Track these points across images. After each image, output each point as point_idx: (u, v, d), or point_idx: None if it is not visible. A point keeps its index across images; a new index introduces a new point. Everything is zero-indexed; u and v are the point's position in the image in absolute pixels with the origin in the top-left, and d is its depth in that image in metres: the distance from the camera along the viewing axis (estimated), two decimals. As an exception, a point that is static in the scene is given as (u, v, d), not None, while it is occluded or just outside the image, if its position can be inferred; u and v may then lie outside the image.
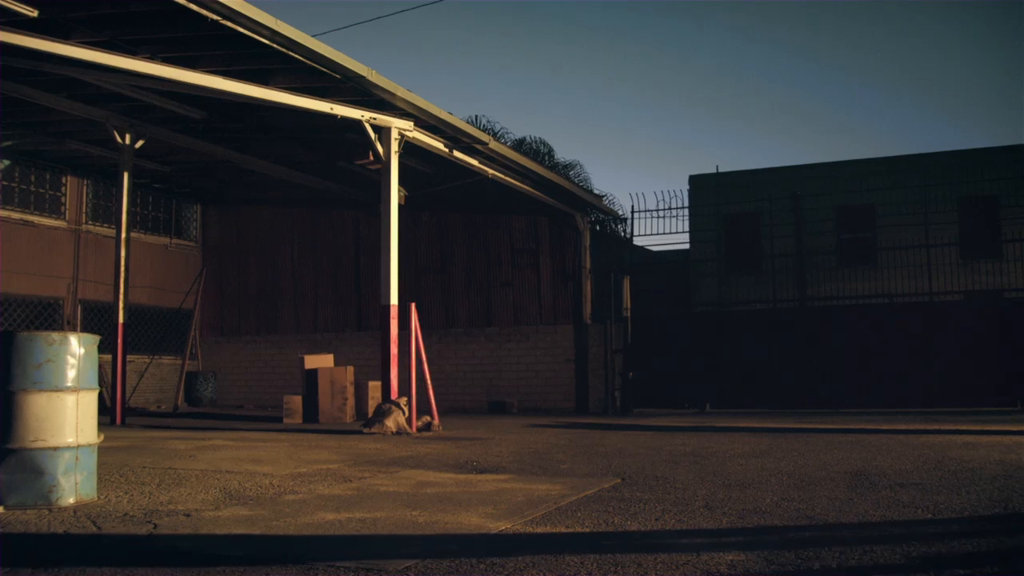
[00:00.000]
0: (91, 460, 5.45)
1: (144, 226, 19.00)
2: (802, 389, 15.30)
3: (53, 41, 9.33)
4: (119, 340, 13.22)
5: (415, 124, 12.22)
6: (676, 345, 16.31)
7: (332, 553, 4.01)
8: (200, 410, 17.33)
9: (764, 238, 19.70)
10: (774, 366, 15.56)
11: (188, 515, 4.94)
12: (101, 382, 15.36)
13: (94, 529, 4.56)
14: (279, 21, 9.18)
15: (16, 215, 16.29)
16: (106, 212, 17.74)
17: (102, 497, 5.49)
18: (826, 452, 8.47)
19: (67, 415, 5.30)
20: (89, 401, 5.47)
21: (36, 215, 16.64)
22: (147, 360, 18.34)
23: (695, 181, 20.96)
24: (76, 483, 5.31)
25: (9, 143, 15.79)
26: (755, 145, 74.88)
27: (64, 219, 17.18)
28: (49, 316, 16.78)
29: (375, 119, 11.70)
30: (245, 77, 10.59)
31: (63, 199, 17.23)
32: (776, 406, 15.31)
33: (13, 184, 16.43)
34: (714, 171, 20.87)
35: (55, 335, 5.34)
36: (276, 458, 8.12)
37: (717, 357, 15.86)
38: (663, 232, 17.13)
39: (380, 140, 11.87)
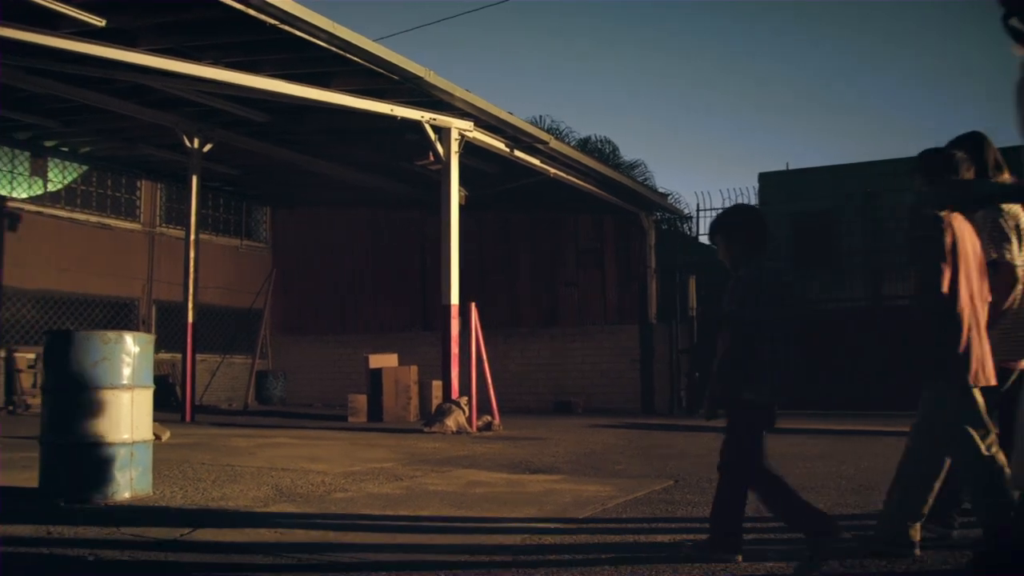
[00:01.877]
0: (146, 456, 5.56)
1: (216, 228, 19.46)
2: (871, 390, 14.89)
3: (122, 49, 9.61)
4: (188, 339, 13.52)
5: (475, 124, 12.25)
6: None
7: (368, 552, 4.03)
8: (269, 408, 17.65)
9: (835, 236, 19.23)
10: (844, 366, 15.17)
11: (236, 510, 5.02)
12: (171, 380, 15.83)
13: (143, 520, 4.67)
14: (335, 24, 9.30)
15: (94, 218, 16.82)
16: (179, 214, 18.19)
17: (157, 492, 5.61)
18: (894, 456, 8.22)
19: (122, 412, 5.42)
20: (144, 398, 5.58)
21: (113, 218, 17.15)
22: (219, 359, 18.76)
23: (765, 179, 20.57)
24: (131, 478, 5.43)
25: (87, 149, 16.33)
26: (825, 143, 73.30)
27: (139, 222, 17.69)
28: (125, 316, 17.29)
29: (435, 120, 11.76)
30: (305, 80, 10.74)
31: (138, 202, 17.75)
32: (845, 407, 14.92)
33: (91, 188, 16.97)
34: (784, 168, 20.47)
35: (110, 334, 5.48)
36: (333, 456, 8.21)
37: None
38: (729, 230, 16.84)
39: (440, 140, 11.93)
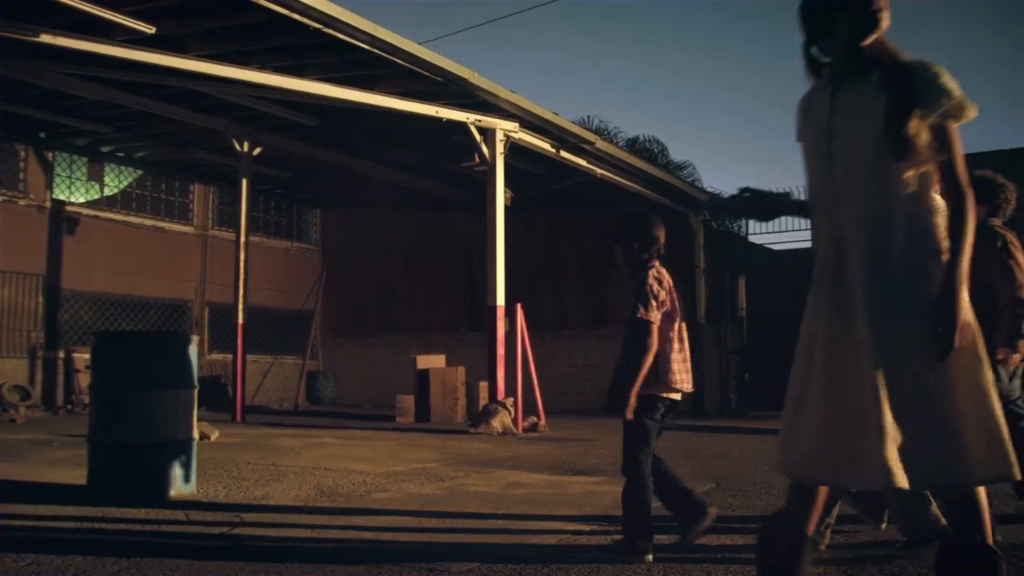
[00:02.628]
0: (190, 455, 5.65)
1: (267, 230, 19.72)
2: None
3: (171, 55, 9.78)
4: (239, 340, 13.71)
5: (520, 125, 12.23)
6: (795, 346, 15.76)
7: (402, 552, 4.04)
8: (319, 408, 17.83)
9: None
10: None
11: (275, 510, 5.07)
12: (223, 381, 16.07)
13: (183, 518, 4.74)
14: (377, 26, 9.36)
15: (149, 222, 17.16)
16: (231, 217, 18.47)
17: (200, 490, 5.69)
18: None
19: (167, 411, 5.52)
20: (188, 398, 5.67)
21: (167, 221, 17.47)
22: (270, 360, 19.01)
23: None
24: (176, 476, 5.52)
25: (141, 154, 16.67)
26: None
27: (192, 225, 18.01)
28: (179, 317, 17.60)
29: (479, 121, 11.77)
30: (350, 83, 10.83)
31: (191, 205, 18.07)
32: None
33: (146, 192, 17.32)
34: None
35: (155, 335, 5.58)
36: (377, 456, 8.26)
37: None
38: (781, 230, 16.63)
39: (485, 142, 11.94)
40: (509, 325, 11.96)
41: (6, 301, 14.76)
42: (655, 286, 3.93)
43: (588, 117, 24.44)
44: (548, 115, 12.16)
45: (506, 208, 12.15)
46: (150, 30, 9.22)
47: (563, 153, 13.46)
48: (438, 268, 19.60)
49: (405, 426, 13.22)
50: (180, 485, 5.53)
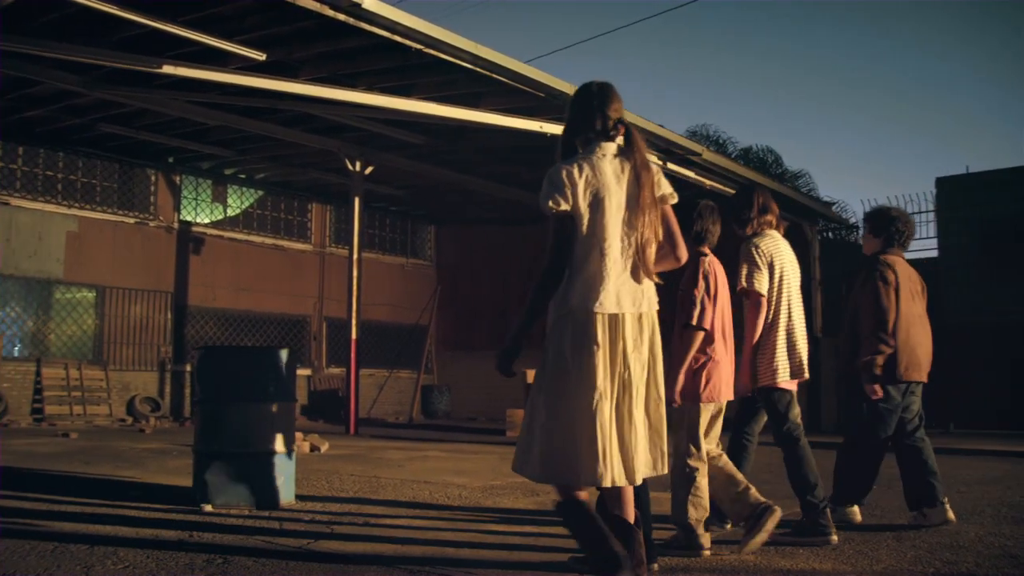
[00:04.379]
0: (289, 466, 5.83)
1: (382, 247, 20.20)
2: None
3: (282, 80, 10.19)
4: (352, 355, 14.06)
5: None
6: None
7: (478, 568, 4.06)
8: (433, 422, 18.10)
9: (1027, 241, 17.79)
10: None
11: (366, 522, 5.17)
12: (341, 394, 16.50)
13: (277, 527, 4.89)
14: (479, 45, 9.50)
15: (269, 240, 17.84)
16: (347, 235, 18.96)
17: (299, 501, 5.86)
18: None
19: (267, 423, 5.71)
20: (287, 411, 5.86)
21: (286, 240, 18.13)
22: (386, 373, 19.42)
23: (944, 183, 19.29)
24: (274, 486, 5.70)
25: (262, 175, 17.37)
26: (1006, 144, 68.01)
27: (310, 243, 18.62)
28: (298, 332, 18.20)
29: (584, 135, 11.76)
30: (455, 101, 11.01)
31: (309, 224, 18.70)
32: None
33: (266, 212, 18.02)
34: (964, 172, 19.17)
35: (255, 350, 5.79)
36: (478, 470, 8.32)
37: (966, 372, 14.52)
38: (902, 238, 15.96)
39: (590, 156, 11.92)
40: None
41: (139, 318, 15.59)
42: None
43: (702, 126, 24.17)
44: (652, 127, 12.06)
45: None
46: (261, 57, 9.62)
47: (670, 165, 13.30)
48: (548, 282, 19.60)
49: (514, 440, 13.25)
50: (278, 494, 5.70)
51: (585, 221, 3.20)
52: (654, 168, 3.37)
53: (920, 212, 16.08)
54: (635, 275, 3.26)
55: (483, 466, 8.75)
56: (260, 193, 17.96)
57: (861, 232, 16.71)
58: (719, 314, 4.46)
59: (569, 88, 10.63)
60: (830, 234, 17.20)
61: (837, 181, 73.15)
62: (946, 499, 5.08)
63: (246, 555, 4.16)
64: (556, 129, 11.54)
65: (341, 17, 8.50)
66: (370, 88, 10.75)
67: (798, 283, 4.90)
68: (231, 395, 5.64)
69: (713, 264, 4.56)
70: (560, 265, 3.21)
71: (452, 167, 15.41)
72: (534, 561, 4.21)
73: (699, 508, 4.33)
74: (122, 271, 15.40)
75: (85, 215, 15.06)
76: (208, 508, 5.47)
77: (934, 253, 17.80)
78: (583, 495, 3.21)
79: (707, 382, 4.40)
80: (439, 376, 20.90)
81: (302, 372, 17.13)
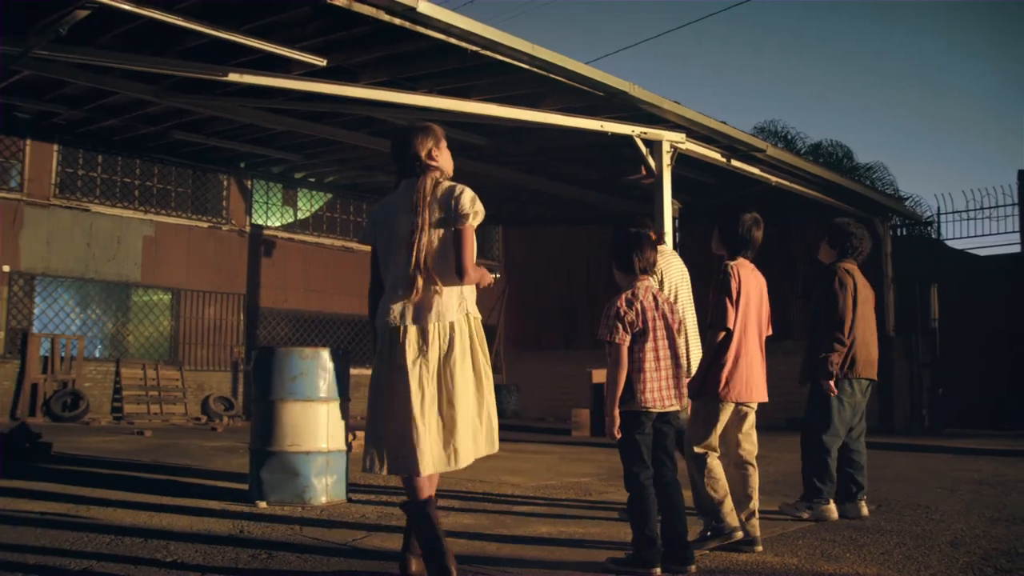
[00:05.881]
0: (341, 464, 5.94)
1: (450, 248, 20.33)
2: None
3: (344, 85, 10.34)
4: (417, 355, 14.18)
5: (687, 136, 12.04)
6: (1000, 359, 14.61)
7: (515, 566, 4.09)
8: (501, 422, 18.02)
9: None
10: None
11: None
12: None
13: (327, 524, 4.99)
14: (535, 46, 9.49)
15: (339, 242, 18.15)
16: (415, 237, 19.23)
17: (352, 498, 5.96)
18: None
19: (319, 422, 5.83)
20: (340, 410, 5.96)
21: (355, 242, 18.40)
22: (455, 373, 19.55)
23: (1027, 175, 18.64)
24: (327, 485, 5.82)
25: (330, 179, 17.69)
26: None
27: (379, 245, 18.87)
28: (367, 333, 18.45)
29: (645, 133, 11.68)
30: (515, 102, 11.03)
31: (377, 226, 18.95)
32: None
33: (335, 215, 18.34)
34: (1049, 162, 18.45)
35: (308, 350, 5.91)
36: (535, 470, 8.34)
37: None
38: (979, 234, 15.44)
39: (651, 154, 11.83)
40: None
41: (213, 319, 16.03)
42: (623, 308, 4.03)
43: (771, 121, 23.76)
44: (715, 124, 11.90)
45: (678, 219, 12.00)
46: (322, 63, 9.79)
47: (734, 162, 13.12)
48: (612, 282, 19.51)
49: (578, 440, 13.27)
50: (330, 492, 5.82)
51: (381, 250, 3.88)
52: (446, 192, 3.74)
53: (1000, 206, 15.51)
54: (427, 291, 3.69)
55: (540, 466, 8.77)
56: (329, 196, 18.28)
57: (936, 228, 16.31)
58: (742, 316, 4.51)
59: (628, 87, 10.56)
60: (903, 230, 16.72)
61: (915, 175, 70.95)
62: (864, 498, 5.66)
63: (292, 551, 4.26)
64: (617, 128, 11.50)
65: (397, 21, 8.58)
66: (430, 91, 10.84)
67: (689, 294, 5.25)
68: (285, 394, 5.77)
69: (740, 268, 4.61)
70: (371, 287, 3.97)
71: (515, 167, 15.45)
72: (573, 560, 4.22)
73: (718, 490, 4.38)
74: (196, 274, 15.86)
75: (161, 220, 15.55)
76: (262, 505, 5.61)
77: (1016, 248, 17.18)
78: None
79: (726, 382, 4.45)
80: (508, 376, 20.97)
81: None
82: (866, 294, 5.82)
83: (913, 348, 15.30)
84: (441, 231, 3.70)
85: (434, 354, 3.68)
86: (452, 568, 3.47)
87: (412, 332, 3.69)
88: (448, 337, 3.71)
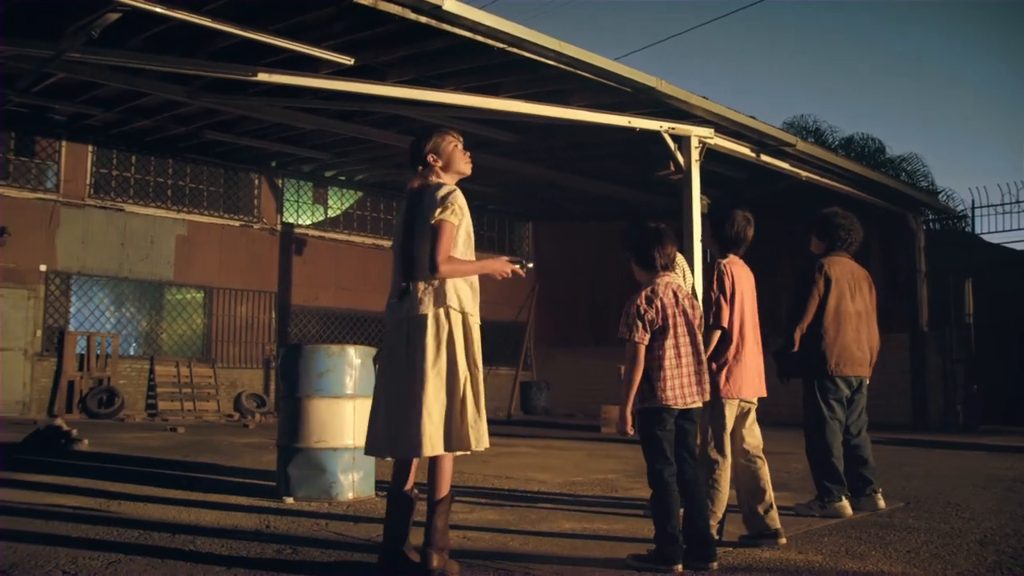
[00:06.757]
0: (368, 461, 5.98)
1: (479, 245, 20.27)
2: None
3: (371, 83, 10.41)
4: (447, 351, 14.24)
5: (715, 131, 11.97)
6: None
7: (535, 562, 4.10)
8: (531, 418, 18.19)
9: None
10: None
11: (438, 515, 5.25)
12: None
13: (353, 520, 5.03)
14: (562, 43, 9.49)
15: (369, 240, 18.26)
16: (445, 234, 19.27)
17: (379, 494, 6.00)
18: None
19: (345, 419, 5.88)
20: (366, 406, 5.99)
21: (385, 239, 18.50)
22: (485, 370, 19.54)
23: (1065, 168, 18.37)
24: (353, 481, 5.87)
25: (360, 177, 17.80)
26: None
27: (409, 242, 18.96)
28: (398, 330, 18.55)
29: (673, 129, 11.63)
30: (542, 98, 11.03)
31: (407, 224, 19.04)
32: None
33: (365, 213, 18.45)
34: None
35: (334, 348, 5.96)
36: (563, 466, 8.34)
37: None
38: (1015, 228, 15.22)
39: (680, 149, 11.77)
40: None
41: (245, 317, 16.20)
42: (643, 306, 4.04)
43: (802, 116, 23.59)
44: (743, 119, 11.83)
45: (704, 215, 11.90)
46: (349, 62, 9.87)
47: (764, 157, 13.03)
48: (643, 278, 19.44)
49: (608, 436, 13.24)
50: (357, 489, 5.86)
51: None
52: (431, 191, 3.85)
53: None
54: (410, 288, 3.88)
55: (568, 462, 8.77)
56: (359, 194, 18.40)
57: (970, 222, 16.07)
58: (738, 314, 4.55)
59: (656, 82, 10.53)
60: (936, 224, 16.50)
61: (949, 169, 69.85)
62: (848, 495, 5.49)
63: (316, 546, 4.30)
64: (645, 124, 11.46)
65: (423, 20, 8.63)
66: (457, 88, 10.87)
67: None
68: (312, 391, 5.82)
69: (733, 267, 4.65)
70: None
71: (544, 164, 15.46)
72: (595, 557, 4.22)
73: (716, 501, 4.38)
74: (228, 272, 16.03)
75: (193, 219, 15.75)
76: (289, 501, 5.67)
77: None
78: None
79: (727, 379, 4.50)
80: (538, 372, 20.98)
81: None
82: (855, 285, 5.72)
83: (947, 343, 15.10)
84: (424, 229, 3.80)
85: (400, 348, 3.82)
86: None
87: (389, 327, 3.92)
88: (420, 331, 3.81)
